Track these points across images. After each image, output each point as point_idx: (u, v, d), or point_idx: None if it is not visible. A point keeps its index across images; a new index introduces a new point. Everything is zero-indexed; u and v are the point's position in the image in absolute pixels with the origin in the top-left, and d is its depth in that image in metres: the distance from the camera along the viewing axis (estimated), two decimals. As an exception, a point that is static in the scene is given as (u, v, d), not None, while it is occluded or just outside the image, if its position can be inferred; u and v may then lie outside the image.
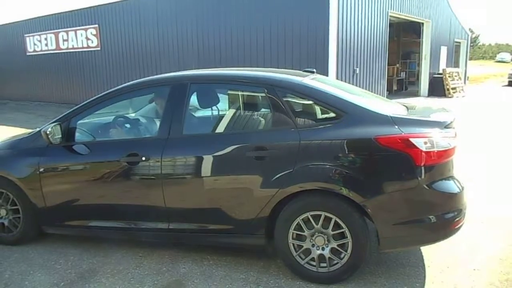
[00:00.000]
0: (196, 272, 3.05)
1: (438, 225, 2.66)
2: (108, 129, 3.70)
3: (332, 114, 2.84)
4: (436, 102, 13.04)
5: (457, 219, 2.70)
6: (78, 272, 3.11)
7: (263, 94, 3.06)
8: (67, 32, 15.48)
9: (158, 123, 3.33)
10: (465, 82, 19.31)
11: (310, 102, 2.99)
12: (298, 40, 10.26)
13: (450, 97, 15.62)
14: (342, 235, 2.72)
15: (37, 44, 16.70)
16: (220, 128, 3.24)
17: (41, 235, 3.58)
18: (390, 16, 12.64)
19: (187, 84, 3.16)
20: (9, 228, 3.56)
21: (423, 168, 2.57)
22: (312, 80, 3.16)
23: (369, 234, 2.71)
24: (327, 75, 9.20)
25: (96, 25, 14.54)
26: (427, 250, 3.24)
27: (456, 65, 19.86)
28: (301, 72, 3.71)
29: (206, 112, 3.59)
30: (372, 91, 9.41)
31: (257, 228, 2.90)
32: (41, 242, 3.58)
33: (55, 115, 4.15)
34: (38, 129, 3.50)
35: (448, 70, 16.48)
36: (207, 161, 2.96)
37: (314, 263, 2.81)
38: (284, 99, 2.92)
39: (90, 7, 14.74)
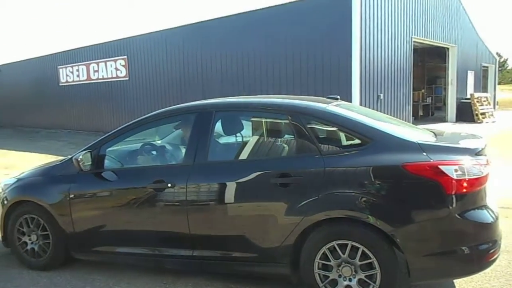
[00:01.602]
0: (220, 301, 3.00)
1: (472, 257, 2.55)
2: (136, 156, 3.78)
3: (357, 141, 2.81)
4: (465, 128, 12.73)
5: (492, 250, 2.58)
6: (104, 299, 3.12)
7: (287, 121, 3.07)
8: (97, 63, 16.17)
9: (183, 150, 3.38)
10: (494, 107, 18.83)
11: (335, 128, 2.98)
12: (321, 67, 10.33)
13: (479, 122, 15.21)
14: (370, 266, 2.63)
15: (69, 75, 17.49)
16: (245, 155, 3.26)
17: (68, 261, 3.62)
18: (414, 41, 12.60)
19: (212, 112, 3.22)
20: (38, 253, 3.63)
21: (454, 196, 2.49)
22: (336, 107, 3.16)
23: (398, 265, 2.61)
24: (350, 101, 9.17)
25: (125, 56, 15.14)
26: (460, 283, 3.08)
27: (484, 90, 19.45)
28: (324, 99, 3.72)
29: (231, 139, 3.62)
30: (397, 117, 9.30)
31: (282, 257, 2.85)
32: (69, 268, 3.62)
33: (85, 143, 4.28)
34: (69, 156, 3.61)
35: (476, 95, 16.13)
36: (232, 188, 2.96)
37: (341, 295, 2.71)
38: (308, 125, 2.92)
39: (119, 39, 15.42)
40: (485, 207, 2.64)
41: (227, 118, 3.43)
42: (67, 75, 17.63)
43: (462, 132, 3.54)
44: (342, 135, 3.00)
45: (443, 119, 15.91)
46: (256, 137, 3.40)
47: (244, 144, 3.45)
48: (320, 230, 2.72)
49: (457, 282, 3.10)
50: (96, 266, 3.60)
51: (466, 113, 15.65)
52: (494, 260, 2.62)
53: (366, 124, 2.90)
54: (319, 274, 2.76)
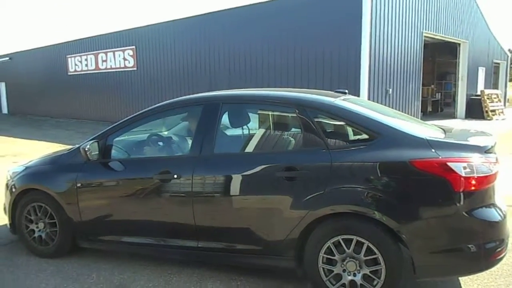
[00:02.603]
0: (224, 293, 3.02)
1: (478, 255, 2.52)
2: (142, 146, 3.79)
3: (365, 136, 2.79)
4: (474, 124, 12.60)
5: (499, 249, 2.55)
6: (109, 287, 3.15)
7: (294, 115, 3.05)
8: (106, 53, 16.22)
9: (190, 142, 3.38)
10: (505, 104, 18.59)
11: (342, 123, 2.96)
12: (329, 61, 10.26)
13: (489, 119, 15.04)
14: (375, 261, 2.62)
15: (78, 64, 17.57)
16: (251, 148, 3.25)
17: (75, 249, 3.66)
18: (425, 36, 12.45)
19: (219, 104, 3.21)
20: (45, 241, 3.67)
21: (462, 194, 2.47)
22: (344, 101, 3.13)
23: (404, 261, 2.60)
24: (359, 96, 9.11)
25: (133, 46, 15.16)
26: (466, 281, 3.07)
27: (495, 86, 19.19)
28: (333, 92, 3.69)
29: (237, 132, 3.61)
30: (405, 113, 9.22)
31: (287, 250, 2.86)
32: (75, 256, 3.66)
33: (93, 132, 4.30)
34: (77, 145, 3.63)
35: (487, 91, 15.93)
36: (237, 180, 2.96)
37: (345, 289, 2.71)
38: (315, 119, 2.90)
39: (127, 29, 15.43)
40: (493, 205, 2.61)
41: (234, 110, 3.42)
42: (75, 65, 17.72)
43: (471, 129, 3.49)
44: (349, 130, 2.98)
45: (452, 116, 15.76)
46: (262, 130, 3.39)
47: (250, 136, 3.44)
48: (325, 225, 2.72)
49: (462, 280, 3.08)
50: (102, 255, 3.64)
51: (476, 109, 15.48)
52: (501, 259, 2.60)
53: (374, 119, 2.87)
54: (323, 268, 2.76)
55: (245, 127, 3.56)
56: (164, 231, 3.26)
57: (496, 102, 16.22)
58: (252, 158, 3.07)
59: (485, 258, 2.55)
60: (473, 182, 2.48)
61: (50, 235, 3.64)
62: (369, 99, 9.79)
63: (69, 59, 17.95)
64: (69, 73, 18.12)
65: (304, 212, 2.73)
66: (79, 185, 3.43)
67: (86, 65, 17.19)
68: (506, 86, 20.33)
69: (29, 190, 3.69)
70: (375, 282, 2.64)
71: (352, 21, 9.80)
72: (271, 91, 3.67)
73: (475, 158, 2.53)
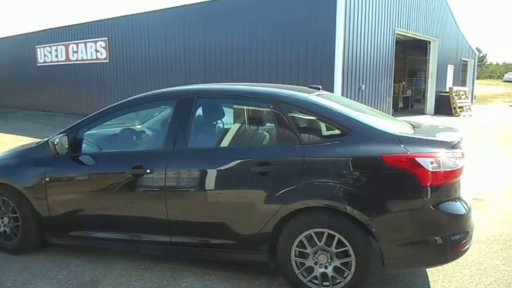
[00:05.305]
0: (198, 286, 3.02)
1: (444, 247, 2.62)
2: (115, 140, 3.72)
3: (337, 131, 2.83)
4: (442, 120, 13.01)
5: (464, 241, 2.66)
6: (80, 283, 3.10)
7: (269, 110, 3.07)
8: (77, 44, 15.72)
9: (163, 136, 3.34)
10: (472, 101, 19.26)
11: (315, 118, 3.00)
12: (304, 56, 10.33)
13: (457, 116, 15.56)
14: (346, 254, 2.68)
15: (47, 55, 16.97)
16: (225, 143, 3.25)
17: (44, 245, 3.57)
18: (397, 34, 12.71)
19: (194, 98, 3.18)
20: (10, 236, 3.56)
21: (429, 188, 2.55)
22: (318, 97, 3.17)
23: (373, 253, 2.67)
24: (332, 92, 9.23)
25: (106, 38, 14.77)
26: (432, 272, 3.19)
27: (463, 84, 19.86)
28: (306, 88, 3.73)
29: (212, 126, 3.60)
30: (377, 109, 9.41)
31: (260, 244, 2.88)
32: (44, 252, 3.57)
33: (63, 125, 4.18)
34: (45, 139, 3.52)
35: (455, 88, 16.46)
36: (211, 175, 2.95)
37: (316, 282, 2.77)
38: (289, 115, 2.92)
39: (100, 20, 15.00)
40: (458, 199, 2.71)
41: (209, 104, 3.41)
42: (45, 55, 17.10)
43: (439, 125, 3.61)
44: (322, 125, 3.02)
45: (422, 112, 16.21)
46: (237, 125, 3.39)
47: (225, 131, 3.43)
48: (298, 218, 2.76)
49: (429, 270, 3.19)
50: (72, 250, 3.56)
51: (444, 106, 15.97)
52: (465, 250, 2.71)
53: (347, 114, 2.92)
54: (295, 261, 2.80)
55: (219, 121, 3.55)
56: (137, 226, 3.22)
57: (464, 99, 16.79)
58: (226, 153, 3.07)
59: (451, 250, 2.64)
60: (440, 176, 2.57)
61: (14, 230, 3.54)
62: (342, 95, 9.93)
63: (38, 50, 17.31)
64: (38, 64, 17.47)
65: (277, 207, 2.75)
66: (47, 179, 3.34)
67: (56, 56, 16.60)
68: (473, 84, 21.07)
69: (-6, 185, 3.56)
70: (345, 274, 2.70)
71: (327, 18, 9.89)
72: (246, 85, 3.67)
73: (442, 154, 2.61)
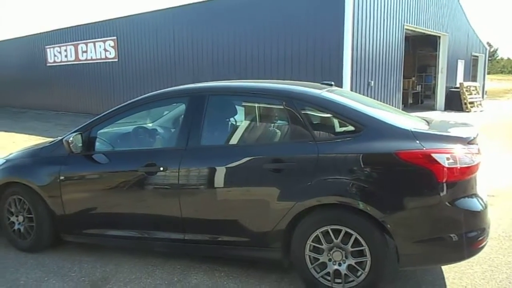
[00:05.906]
0: (208, 283, 3.03)
1: (460, 244, 2.58)
2: (127, 139, 3.74)
3: (351, 128, 2.81)
4: (453, 116, 12.86)
5: (481, 238, 2.62)
6: (92, 280, 3.12)
7: (281, 107, 3.05)
8: (86, 44, 15.83)
9: (176, 134, 3.35)
10: (483, 97, 19.02)
11: (329, 115, 2.97)
12: (312, 52, 10.27)
13: (467, 111, 15.37)
14: (362, 253, 2.66)
15: (57, 55, 17.11)
16: (238, 140, 3.25)
17: (57, 243, 3.60)
18: (406, 29, 12.59)
19: (206, 96, 3.18)
20: (24, 235, 3.60)
21: (445, 184, 2.52)
22: (330, 93, 3.15)
23: (389, 252, 2.65)
24: (341, 88, 9.17)
25: (114, 37, 14.84)
26: (444, 269, 3.15)
27: (474, 79, 19.60)
28: (319, 84, 3.71)
29: (224, 124, 3.60)
30: (387, 104, 9.32)
31: (274, 241, 2.87)
32: (57, 250, 3.61)
33: (73, 124, 4.21)
34: (59, 138, 3.55)
35: (466, 84, 16.25)
36: (224, 173, 2.95)
37: (329, 278, 2.75)
38: (302, 111, 2.90)
39: (108, 20, 15.08)
40: (475, 195, 2.67)
41: (221, 102, 3.40)
42: (55, 55, 17.24)
43: (454, 121, 3.56)
44: (336, 122, 3.00)
45: (432, 108, 16.04)
46: (249, 122, 3.38)
47: (238, 128, 3.43)
48: (314, 215, 2.74)
49: (441, 267, 3.15)
50: (84, 248, 3.59)
51: (455, 101, 15.78)
52: (482, 248, 2.67)
53: (360, 111, 2.90)
54: (309, 256, 2.78)
55: (232, 119, 3.55)
56: (150, 224, 3.23)
57: (475, 94, 16.58)
58: (239, 150, 3.06)
59: (467, 247, 2.61)
60: (456, 173, 2.54)
61: (28, 229, 3.57)
62: (351, 91, 9.87)
63: (48, 50, 17.46)
64: (48, 64, 17.63)
65: (291, 204, 2.74)
66: (62, 178, 3.36)
67: (66, 56, 16.73)
68: (484, 79, 20.79)
69: (10, 183, 3.60)
70: (359, 273, 2.68)
71: (335, 13, 9.82)
72: (258, 82, 3.65)
73: (458, 149, 2.58)
